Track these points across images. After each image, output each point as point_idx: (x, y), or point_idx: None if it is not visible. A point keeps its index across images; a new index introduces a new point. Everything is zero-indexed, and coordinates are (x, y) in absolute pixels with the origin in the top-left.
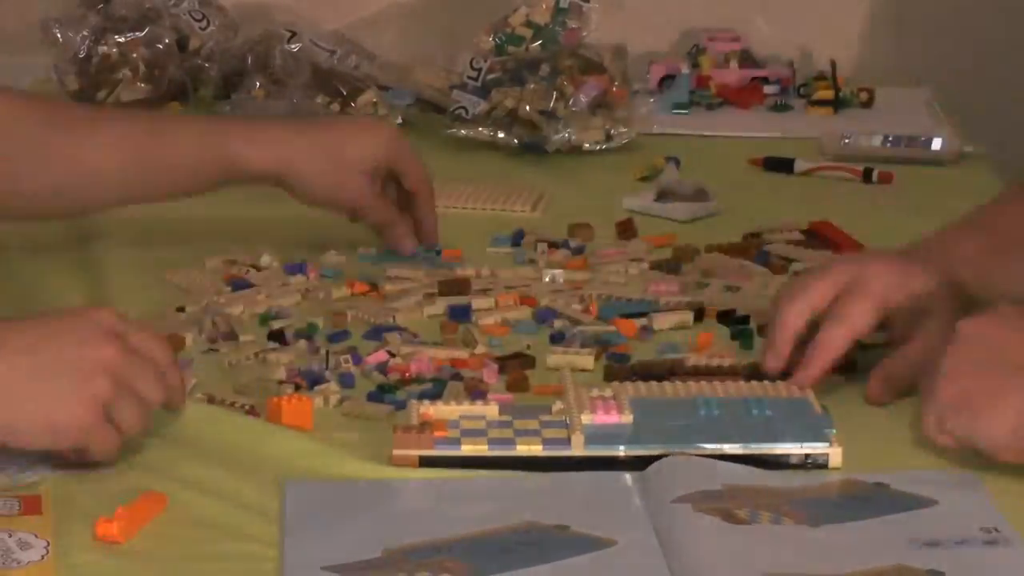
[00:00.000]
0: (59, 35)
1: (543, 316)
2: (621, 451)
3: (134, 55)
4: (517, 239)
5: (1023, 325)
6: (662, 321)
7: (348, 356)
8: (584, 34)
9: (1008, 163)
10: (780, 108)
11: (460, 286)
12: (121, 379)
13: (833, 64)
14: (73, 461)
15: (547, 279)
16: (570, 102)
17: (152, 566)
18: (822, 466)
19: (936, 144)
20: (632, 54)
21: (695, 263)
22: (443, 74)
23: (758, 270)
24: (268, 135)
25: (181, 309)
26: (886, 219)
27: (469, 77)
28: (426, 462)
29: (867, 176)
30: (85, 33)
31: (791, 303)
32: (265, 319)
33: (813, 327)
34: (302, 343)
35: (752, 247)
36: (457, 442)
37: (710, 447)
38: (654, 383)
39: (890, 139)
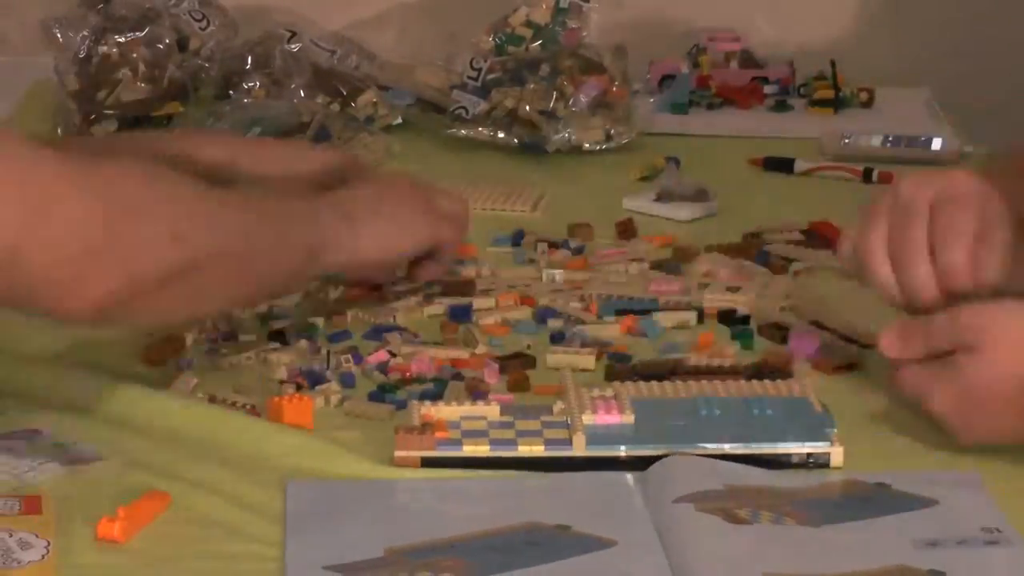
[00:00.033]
0: (59, 35)
1: (543, 316)
2: (623, 451)
3: (134, 55)
4: (517, 239)
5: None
6: (663, 321)
7: (349, 356)
8: (584, 34)
9: None
10: (780, 108)
11: (463, 287)
12: (430, 206)
13: (833, 64)
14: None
15: (547, 279)
16: (570, 102)
17: (153, 566)
18: (824, 465)
19: (936, 144)
20: (632, 54)
21: (695, 263)
22: (443, 74)
23: (758, 270)
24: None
25: None
26: None
27: (469, 77)
28: (428, 463)
29: (867, 176)
30: (85, 33)
31: (911, 266)
32: (265, 319)
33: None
34: (303, 343)
35: (752, 247)
36: (459, 443)
37: (711, 447)
38: (655, 383)
39: (890, 139)
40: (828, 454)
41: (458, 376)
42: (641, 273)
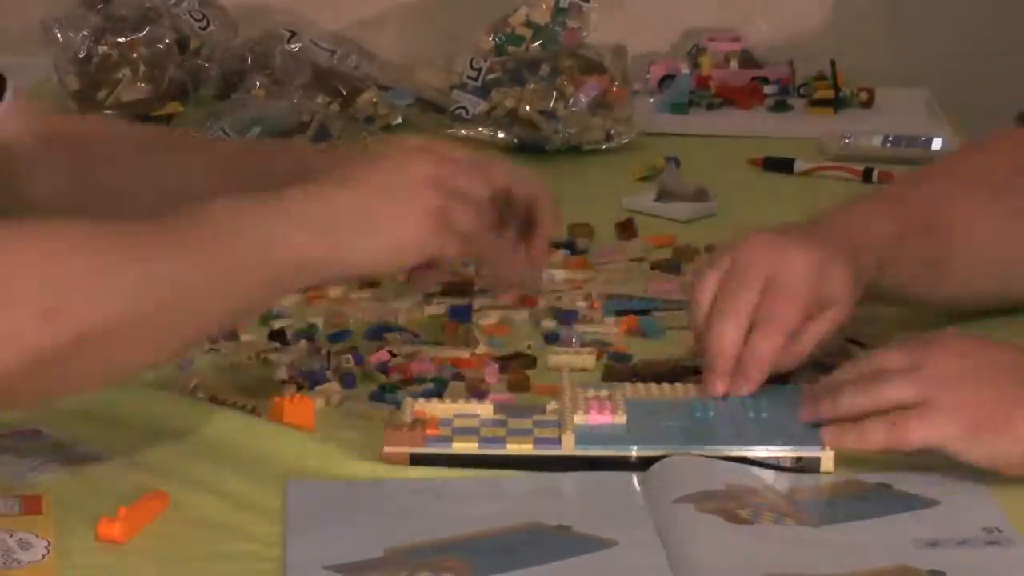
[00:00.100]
0: (59, 35)
1: (544, 316)
2: (612, 452)
3: (134, 55)
4: None
5: (979, 343)
6: (663, 321)
7: (349, 356)
8: (584, 34)
9: None
10: (780, 108)
11: (463, 287)
12: (451, 188)
13: (833, 64)
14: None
15: (547, 279)
16: (570, 102)
17: (153, 566)
18: (814, 470)
19: (936, 144)
20: (632, 54)
21: (695, 263)
22: (443, 74)
23: None
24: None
25: None
26: None
27: (469, 77)
28: (417, 459)
29: (867, 176)
30: (85, 33)
31: (723, 323)
32: (266, 319)
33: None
34: (303, 343)
35: None
36: (448, 440)
37: (703, 449)
38: (652, 384)
39: (890, 139)
40: (818, 459)
41: (458, 376)
42: (641, 273)
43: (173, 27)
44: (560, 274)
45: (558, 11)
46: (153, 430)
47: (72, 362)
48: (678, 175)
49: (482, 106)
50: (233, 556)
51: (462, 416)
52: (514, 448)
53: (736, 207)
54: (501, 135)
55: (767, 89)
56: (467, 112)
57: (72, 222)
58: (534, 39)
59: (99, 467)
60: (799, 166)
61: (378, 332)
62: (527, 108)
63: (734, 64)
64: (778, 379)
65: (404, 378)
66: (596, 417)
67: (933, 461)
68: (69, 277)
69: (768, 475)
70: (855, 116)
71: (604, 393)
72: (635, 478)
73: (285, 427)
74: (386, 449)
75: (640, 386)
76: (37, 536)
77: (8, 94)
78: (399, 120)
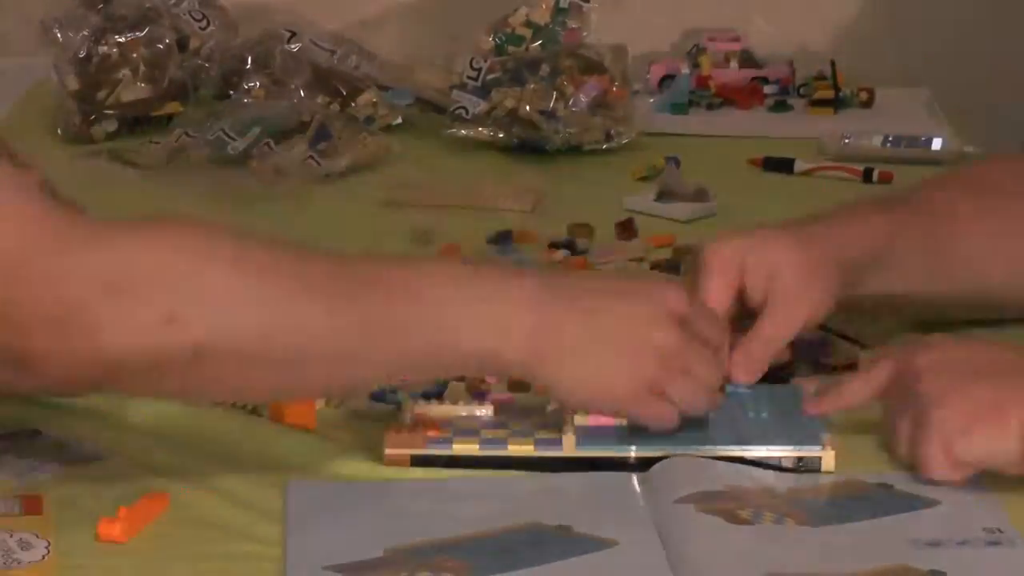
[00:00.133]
0: (59, 35)
1: None
2: (612, 452)
3: (134, 55)
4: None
5: (970, 343)
6: None
7: None
8: (584, 34)
9: None
10: (780, 108)
11: None
12: (674, 363)
13: (833, 64)
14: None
15: None
16: (570, 102)
17: (154, 566)
18: (814, 470)
19: (936, 144)
20: (632, 54)
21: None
22: (443, 74)
23: None
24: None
25: None
26: None
27: (469, 77)
28: (418, 461)
29: (867, 176)
30: (85, 33)
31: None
32: None
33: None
34: None
35: None
36: (449, 441)
37: (702, 449)
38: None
39: (890, 139)
40: (819, 458)
41: (459, 376)
42: (641, 273)
43: (173, 27)
44: None
45: (558, 11)
46: (153, 430)
47: (190, 373)
48: (678, 175)
49: (482, 106)
50: (233, 556)
51: (462, 417)
52: (515, 449)
53: (736, 207)
54: (501, 135)
55: (767, 89)
56: (467, 112)
57: (246, 234)
58: (534, 39)
59: (99, 467)
60: (799, 166)
61: None
62: (527, 108)
63: (734, 64)
64: (778, 379)
65: (405, 378)
66: (596, 418)
67: None
68: (202, 286)
69: (768, 475)
70: (855, 116)
71: None
72: (635, 478)
73: (286, 427)
74: (387, 451)
75: None
76: (37, 536)
77: None
78: (399, 120)
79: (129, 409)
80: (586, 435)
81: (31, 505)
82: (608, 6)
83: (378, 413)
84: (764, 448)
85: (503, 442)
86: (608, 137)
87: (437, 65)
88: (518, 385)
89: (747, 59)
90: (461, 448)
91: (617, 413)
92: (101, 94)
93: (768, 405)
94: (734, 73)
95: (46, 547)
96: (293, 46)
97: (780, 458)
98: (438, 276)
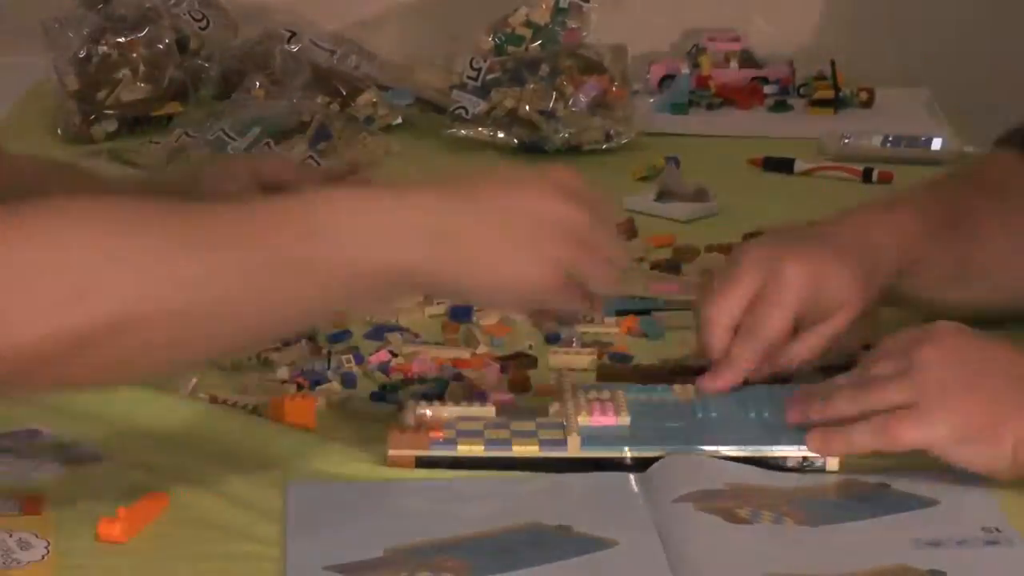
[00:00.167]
0: (59, 35)
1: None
2: (617, 453)
3: (134, 55)
4: None
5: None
6: (663, 321)
7: (350, 356)
8: (584, 34)
9: None
10: (780, 108)
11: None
12: (573, 236)
13: (833, 64)
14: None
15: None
16: (570, 102)
17: (153, 566)
18: (819, 470)
19: (936, 144)
20: (632, 54)
21: (695, 263)
22: (443, 74)
23: None
24: None
25: None
26: None
27: (469, 77)
28: (422, 463)
29: (867, 176)
30: (85, 33)
31: (708, 333)
32: None
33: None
34: (304, 343)
35: None
36: (453, 443)
37: (707, 449)
38: (652, 385)
39: (890, 139)
40: (824, 459)
41: (459, 376)
42: (641, 273)
43: (173, 27)
44: None
45: (558, 11)
46: (153, 430)
47: (105, 348)
48: (678, 175)
49: (482, 106)
50: (233, 556)
51: (465, 419)
52: (520, 450)
53: (736, 207)
54: (501, 135)
55: (767, 89)
56: (467, 112)
57: (124, 200)
58: (534, 39)
59: (99, 467)
60: (799, 166)
61: (379, 332)
62: (527, 108)
63: (734, 64)
64: (780, 380)
65: (405, 378)
66: (600, 418)
67: (933, 461)
68: (108, 257)
69: (768, 475)
70: (855, 116)
71: (606, 395)
72: (635, 478)
73: (286, 427)
74: (391, 452)
75: (639, 386)
76: (37, 536)
77: None
78: (399, 120)
79: (129, 409)
80: (590, 436)
81: (31, 505)
82: (608, 6)
83: (378, 413)
84: (769, 448)
85: (507, 443)
86: (608, 137)
87: (437, 65)
88: (518, 385)
89: (747, 59)
90: (466, 449)
91: (529, 305)
92: (101, 94)
93: (769, 405)
94: (734, 73)
95: (46, 547)
96: (293, 46)
97: (785, 458)
98: (332, 203)
